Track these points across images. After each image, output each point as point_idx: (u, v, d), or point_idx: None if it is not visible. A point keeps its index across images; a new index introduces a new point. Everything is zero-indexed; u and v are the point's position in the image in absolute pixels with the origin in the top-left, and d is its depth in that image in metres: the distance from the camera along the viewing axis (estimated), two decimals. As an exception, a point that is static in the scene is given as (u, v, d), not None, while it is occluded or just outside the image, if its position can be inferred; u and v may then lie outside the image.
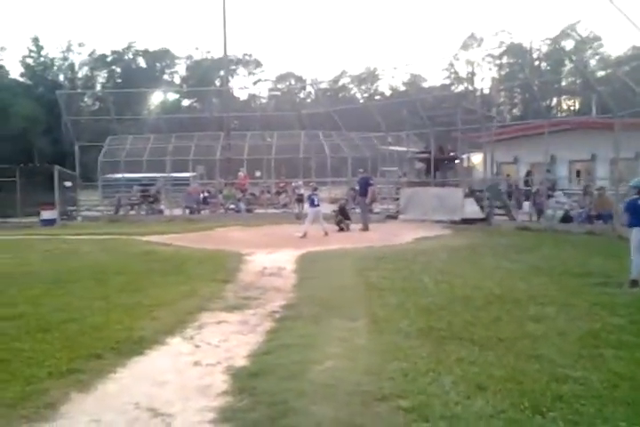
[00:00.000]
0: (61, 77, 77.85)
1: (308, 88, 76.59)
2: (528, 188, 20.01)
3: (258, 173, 27.81)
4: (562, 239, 13.22)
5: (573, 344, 4.99)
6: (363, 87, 77.11)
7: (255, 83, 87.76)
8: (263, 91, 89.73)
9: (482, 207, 18.17)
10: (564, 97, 72.59)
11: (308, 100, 72.41)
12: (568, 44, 55.42)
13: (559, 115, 65.28)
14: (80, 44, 78.02)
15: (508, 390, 3.92)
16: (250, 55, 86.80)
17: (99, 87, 77.65)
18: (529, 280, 7.94)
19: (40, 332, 5.43)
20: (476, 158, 22.16)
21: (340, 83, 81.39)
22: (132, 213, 23.27)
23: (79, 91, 69.70)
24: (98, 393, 4.03)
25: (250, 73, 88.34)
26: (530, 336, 5.23)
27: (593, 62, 57.40)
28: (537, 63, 68.64)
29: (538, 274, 8.48)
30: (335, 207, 17.20)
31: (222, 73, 61.39)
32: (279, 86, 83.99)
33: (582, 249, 11.45)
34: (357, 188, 18.52)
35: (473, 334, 5.27)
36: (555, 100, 71.26)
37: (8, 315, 6.10)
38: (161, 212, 23.35)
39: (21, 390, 4.00)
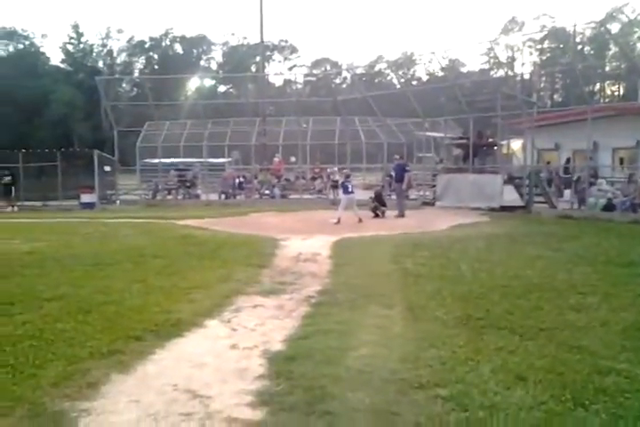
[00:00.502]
0: (100, 64, 79.15)
1: (344, 73, 76.01)
2: (568, 175, 19.55)
3: (293, 159, 27.84)
4: (604, 228, 12.88)
5: (617, 336, 4.83)
6: (399, 72, 76.09)
7: (291, 68, 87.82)
8: (299, 76, 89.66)
9: (521, 195, 17.84)
10: (607, 82, 70.60)
11: (344, 86, 71.96)
12: (614, 28, 53.63)
13: (602, 100, 63.63)
14: (119, 31, 79.27)
15: (549, 381, 3.82)
16: (286, 41, 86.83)
17: (137, 73, 78.84)
18: (570, 269, 7.74)
19: (81, 313, 5.53)
20: (516, 145, 21.71)
21: (377, 68, 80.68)
22: (169, 197, 23.61)
23: (117, 77, 70.70)
24: (137, 374, 4.07)
25: (285, 58, 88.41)
26: (571, 326, 5.09)
27: (640, 46, 55.64)
28: (580, 47, 66.73)
29: (579, 263, 8.26)
30: (371, 194, 17.08)
31: (258, 59, 61.33)
32: (315, 72, 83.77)
33: (626, 238, 11.15)
34: (393, 174, 18.35)
35: (512, 323, 5.16)
36: (598, 86, 69.39)
37: (51, 296, 6.22)
38: (197, 196, 23.62)
39: (64, 369, 4.07)
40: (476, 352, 4.37)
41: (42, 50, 75.30)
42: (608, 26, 45.14)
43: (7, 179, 20.85)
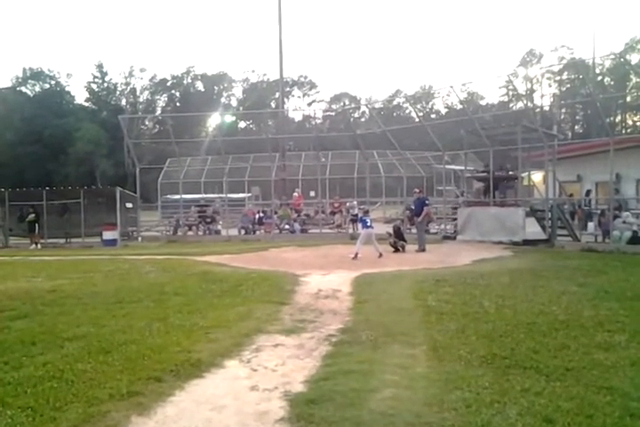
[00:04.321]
0: (124, 102, 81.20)
1: (363, 108, 77.07)
2: (587, 207, 19.34)
3: (312, 193, 28.02)
4: (631, 262, 12.62)
5: (647, 375, 4.69)
6: (418, 106, 76.88)
7: (310, 104, 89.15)
8: (318, 112, 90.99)
9: (543, 228, 17.63)
10: (629, 113, 70.39)
11: (363, 120, 72.93)
12: (634, 59, 53.70)
13: (624, 131, 63.32)
14: (142, 70, 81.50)
15: (578, 424, 3.72)
16: (305, 77, 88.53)
17: (159, 111, 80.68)
18: (597, 305, 7.58)
19: (102, 353, 5.52)
20: (537, 177, 21.58)
21: (395, 102, 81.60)
22: (190, 233, 23.73)
23: (140, 115, 72.42)
24: (157, 417, 4.03)
25: (305, 94, 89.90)
26: (599, 366, 4.95)
27: (661, 76, 55.50)
28: (600, 78, 66.90)
29: (606, 299, 8.08)
30: (390, 229, 17.02)
31: (278, 95, 62.41)
32: (333, 106, 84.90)
33: (653, 272, 10.90)
34: (413, 207, 18.29)
35: (538, 362, 5.04)
36: (619, 117, 69.20)
37: (72, 335, 6.25)
38: (218, 232, 23.73)
39: (84, 411, 4.06)
40: (501, 394, 4.26)
41: (67, 89, 77.98)
42: (628, 57, 45.44)
43: (31, 216, 21.15)
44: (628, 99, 65.82)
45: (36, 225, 21.14)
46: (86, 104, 78.70)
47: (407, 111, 79.51)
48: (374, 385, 4.52)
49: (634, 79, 62.01)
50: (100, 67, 78.44)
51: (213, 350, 5.70)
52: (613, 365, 4.98)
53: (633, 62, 48.46)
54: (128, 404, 4.22)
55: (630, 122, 72.29)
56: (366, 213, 16.06)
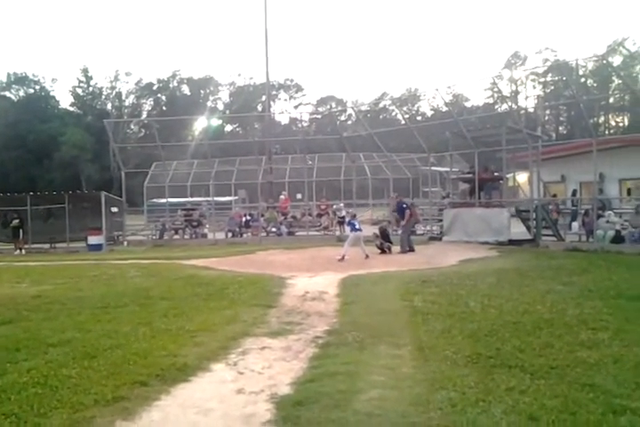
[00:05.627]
0: (109, 106, 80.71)
1: (349, 111, 77.16)
2: (574, 207, 19.50)
3: (299, 196, 28.02)
4: (614, 260, 12.76)
5: (630, 372, 4.73)
6: (404, 108, 77.13)
7: (296, 107, 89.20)
8: (304, 115, 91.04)
9: (528, 228, 17.77)
10: (612, 114, 71.14)
11: (349, 123, 72.97)
12: (616, 60, 54.29)
13: (607, 132, 63.99)
14: (127, 74, 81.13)
15: (562, 421, 3.75)
16: (291, 80, 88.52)
17: (145, 115, 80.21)
18: (581, 304, 7.64)
19: (87, 358, 5.48)
20: (522, 178, 21.76)
21: (381, 104, 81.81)
22: (177, 237, 23.63)
23: (126, 119, 72.02)
24: (143, 422, 4.01)
25: (291, 97, 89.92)
26: (583, 364, 5.00)
27: (643, 78, 56.12)
28: (583, 80, 67.55)
29: (590, 297, 8.16)
30: (376, 230, 17.09)
31: (264, 98, 62.45)
32: (320, 109, 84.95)
33: (636, 270, 11.01)
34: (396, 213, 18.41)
35: (523, 361, 5.08)
36: (602, 118, 69.91)
37: (57, 341, 6.19)
38: (204, 236, 23.63)
39: (68, 417, 4.02)
40: (486, 393, 4.29)
41: (52, 93, 77.47)
42: (610, 59, 45.89)
43: (15, 222, 20.94)
44: (611, 100, 66.51)
45: (21, 231, 20.92)
46: (71, 109, 78.18)
47: (393, 114, 79.64)
48: (360, 386, 4.53)
49: (616, 81, 62.65)
50: (85, 71, 78.01)
51: (199, 353, 5.68)
52: (597, 362, 5.03)
53: (615, 64, 48.96)
54: (113, 409, 4.19)
55: (613, 123, 73.11)
56: (354, 217, 16.21)
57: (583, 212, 17.71)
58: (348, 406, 4.11)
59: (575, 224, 18.26)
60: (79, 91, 78.57)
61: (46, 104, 74.42)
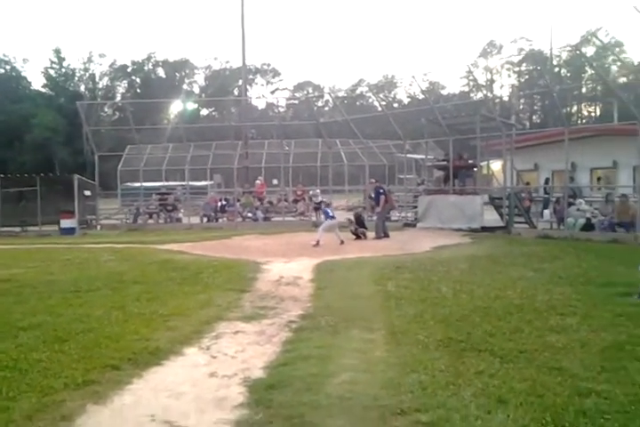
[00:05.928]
0: (82, 88, 79.01)
1: (326, 96, 76.79)
2: (547, 195, 19.77)
3: (275, 182, 27.94)
4: (584, 248, 12.99)
5: (596, 356, 4.85)
6: (380, 95, 77.08)
7: (273, 92, 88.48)
8: (281, 100, 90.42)
9: (501, 215, 17.99)
10: (584, 103, 72.04)
11: (326, 109, 72.66)
12: (589, 51, 54.88)
13: (580, 121, 64.83)
14: (101, 55, 79.38)
15: (530, 403, 3.82)
16: (268, 64, 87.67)
17: (119, 97, 78.88)
18: (550, 290, 7.78)
19: (57, 342, 5.43)
20: (496, 166, 21.96)
21: (358, 91, 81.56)
22: (151, 221, 23.39)
23: (99, 101, 70.70)
24: (114, 405, 4.00)
25: (268, 82, 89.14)
26: (551, 348, 5.10)
27: (614, 68, 56.93)
28: (557, 70, 68.14)
29: (559, 284, 8.31)
30: (351, 216, 17.14)
31: (240, 82, 61.85)
32: (297, 95, 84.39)
33: (605, 258, 11.22)
34: (373, 196, 18.47)
35: (493, 345, 5.17)
36: (575, 107, 70.76)
37: (27, 325, 6.12)
38: (179, 220, 23.44)
39: (38, 401, 3.99)
40: (456, 376, 4.35)
41: (23, 74, 75.42)
42: (583, 49, 46.40)
43: (-16, 205, 20.53)
44: (584, 90, 67.33)
45: (-9, 213, 20.51)
46: (43, 90, 76.22)
47: (370, 100, 79.52)
48: (333, 370, 4.57)
49: (589, 71, 63.36)
50: (57, 52, 75.93)
51: (172, 337, 5.67)
52: (564, 347, 5.13)
53: (588, 55, 49.49)
54: (84, 393, 4.16)
55: (585, 112, 74.01)
56: (328, 205, 16.23)
57: (555, 200, 17.98)
58: (321, 389, 4.15)
59: (547, 212, 18.52)
60: (51, 72, 76.62)
61: (17, 85, 72.61)
